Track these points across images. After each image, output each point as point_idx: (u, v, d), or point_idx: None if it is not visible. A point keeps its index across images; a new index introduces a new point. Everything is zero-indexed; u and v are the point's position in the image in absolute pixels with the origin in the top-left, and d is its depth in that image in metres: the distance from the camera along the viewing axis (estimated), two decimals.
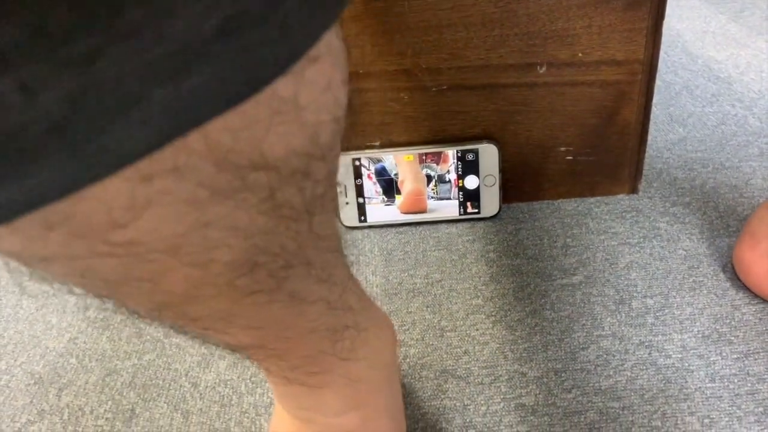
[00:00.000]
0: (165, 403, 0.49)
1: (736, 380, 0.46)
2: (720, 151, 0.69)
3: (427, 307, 0.55)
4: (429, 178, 0.61)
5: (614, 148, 0.62)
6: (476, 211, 0.63)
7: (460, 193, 0.62)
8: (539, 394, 0.47)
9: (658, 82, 0.82)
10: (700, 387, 0.46)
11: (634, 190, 0.64)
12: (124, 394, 0.50)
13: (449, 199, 0.62)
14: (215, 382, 0.50)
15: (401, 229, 0.64)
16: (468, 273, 0.58)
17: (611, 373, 0.48)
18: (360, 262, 0.60)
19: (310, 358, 0.32)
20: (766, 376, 0.46)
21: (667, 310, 0.52)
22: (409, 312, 0.55)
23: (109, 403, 0.50)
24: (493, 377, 0.48)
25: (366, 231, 0.64)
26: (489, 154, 0.60)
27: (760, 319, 0.50)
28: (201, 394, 0.49)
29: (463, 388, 0.48)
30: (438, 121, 0.60)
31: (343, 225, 0.64)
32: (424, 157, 0.60)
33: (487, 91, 0.58)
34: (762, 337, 0.49)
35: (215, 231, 0.19)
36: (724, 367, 0.47)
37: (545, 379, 0.48)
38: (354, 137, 0.61)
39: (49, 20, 0.12)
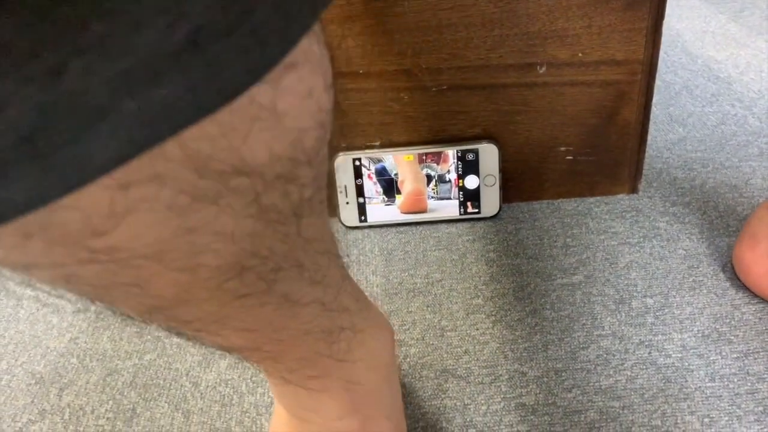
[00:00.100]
0: (166, 402, 0.49)
1: (735, 379, 0.46)
2: (720, 150, 0.69)
3: (428, 306, 0.55)
4: (429, 178, 0.61)
5: (614, 148, 0.62)
6: (476, 210, 0.63)
7: (461, 192, 0.62)
8: (539, 393, 0.47)
9: (657, 82, 0.82)
10: (699, 386, 0.46)
11: (634, 189, 0.64)
12: (125, 393, 0.50)
13: (449, 199, 0.62)
14: (216, 382, 0.50)
15: (401, 228, 0.64)
16: (468, 273, 0.58)
17: (611, 372, 0.48)
18: (360, 261, 0.60)
19: (306, 360, 0.32)
20: (765, 376, 0.46)
21: (667, 310, 0.52)
22: (410, 312, 0.55)
23: (110, 402, 0.50)
24: (493, 377, 0.49)
25: (366, 231, 0.64)
26: (489, 154, 0.60)
27: (760, 318, 0.51)
28: (202, 394, 0.49)
29: (463, 388, 0.48)
30: (438, 121, 0.60)
31: (344, 225, 0.64)
32: (424, 157, 0.61)
33: (487, 91, 0.58)
34: (762, 336, 0.49)
35: (200, 236, 0.20)
36: (723, 366, 0.47)
37: (545, 379, 0.48)
38: (354, 137, 0.61)
39: (13, 37, 0.12)
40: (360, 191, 0.62)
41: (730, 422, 0.44)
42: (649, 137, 0.72)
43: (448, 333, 0.52)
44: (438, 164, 0.61)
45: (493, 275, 0.57)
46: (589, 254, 0.58)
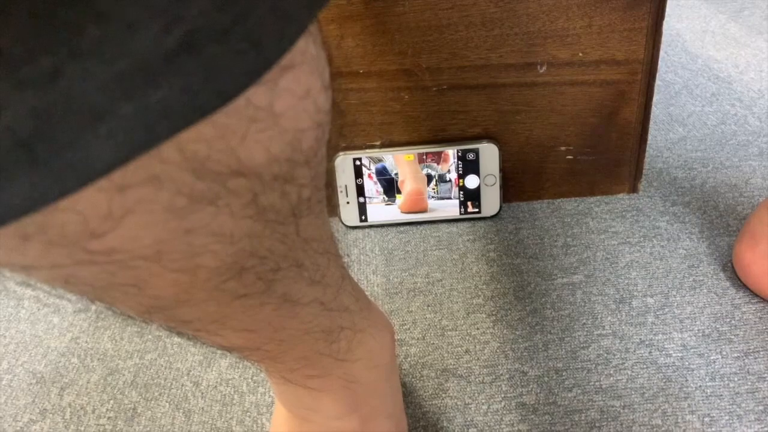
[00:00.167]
0: (167, 402, 0.49)
1: (736, 379, 0.46)
2: (720, 150, 0.69)
3: (428, 306, 0.55)
4: (429, 177, 0.62)
5: (614, 148, 0.62)
6: (477, 210, 0.63)
7: (461, 192, 0.62)
8: (540, 392, 0.47)
9: (658, 82, 0.82)
10: (700, 385, 0.46)
11: (634, 189, 0.64)
12: (126, 393, 0.50)
13: (450, 198, 0.62)
14: (217, 381, 0.50)
15: (402, 228, 0.64)
16: (468, 272, 0.58)
17: (612, 371, 0.48)
18: (361, 261, 0.60)
19: (306, 359, 0.32)
20: (766, 375, 0.46)
21: (667, 309, 0.52)
22: (410, 311, 0.55)
23: (111, 402, 0.50)
24: (494, 376, 0.49)
25: (367, 230, 0.64)
26: (489, 154, 0.60)
27: (760, 318, 0.51)
28: (203, 393, 0.50)
29: (464, 387, 0.48)
30: (438, 120, 0.60)
31: (344, 224, 0.64)
32: (424, 157, 0.61)
33: (488, 90, 0.58)
34: (762, 336, 0.49)
35: (198, 237, 0.20)
36: (724, 365, 0.47)
37: (546, 378, 0.48)
38: (354, 137, 0.61)
39: (8, 41, 0.13)
40: (360, 191, 0.62)
41: (731, 421, 0.44)
42: (650, 137, 0.72)
43: (449, 332, 0.52)
44: (438, 164, 0.61)
45: (494, 275, 0.57)
46: (589, 254, 0.58)
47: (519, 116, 0.60)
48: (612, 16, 0.54)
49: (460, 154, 0.60)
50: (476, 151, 0.60)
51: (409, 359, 0.51)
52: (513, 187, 0.64)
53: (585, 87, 0.58)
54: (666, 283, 0.54)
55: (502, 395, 0.47)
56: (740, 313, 0.51)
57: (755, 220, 0.53)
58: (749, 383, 0.46)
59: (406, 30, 0.55)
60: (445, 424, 0.46)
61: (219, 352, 0.53)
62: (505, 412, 0.46)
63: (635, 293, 0.54)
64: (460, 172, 0.61)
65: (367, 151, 0.61)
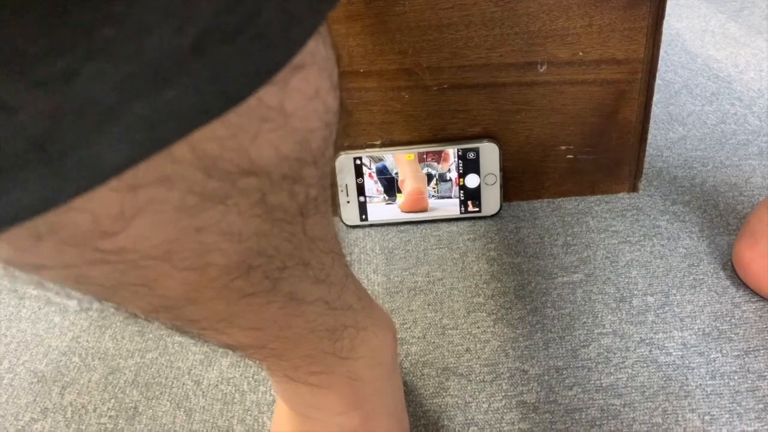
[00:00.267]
0: (168, 401, 0.49)
1: (736, 377, 0.46)
2: (720, 149, 0.69)
3: (429, 305, 0.55)
4: (430, 176, 0.62)
5: (614, 147, 0.62)
6: (477, 209, 0.63)
7: (461, 191, 0.62)
8: (540, 391, 0.47)
9: (658, 81, 0.82)
10: (700, 384, 0.46)
11: (634, 188, 0.65)
12: (127, 392, 0.50)
13: (450, 197, 0.62)
14: (218, 380, 0.50)
15: (402, 227, 0.64)
16: (469, 271, 0.58)
17: (612, 370, 0.48)
18: (361, 260, 0.61)
19: (310, 357, 0.32)
20: (766, 374, 0.47)
21: (667, 308, 0.52)
22: (411, 310, 0.55)
23: (112, 401, 0.50)
24: (494, 375, 0.49)
25: (367, 230, 0.64)
26: (490, 153, 0.60)
27: (760, 316, 0.51)
28: (204, 392, 0.50)
29: (464, 386, 0.48)
30: (439, 120, 0.60)
31: (345, 224, 0.64)
32: (424, 156, 0.61)
33: (488, 90, 0.58)
34: (762, 334, 0.49)
35: (208, 236, 0.20)
36: (724, 364, 0.47)
37: (546, 377, 0.48)
38: (355, 136, 0.61)
39: (24, 42, 0.13)
40: (361, 190, 0.62)
41: (731, 420, 0.44)
42: (650, 136, 0.72)
43: (449, 331, 0.53)
44: (439, 163, 0.61)
45: (494, 274, 0.57)
46: (589, 253, 0.58)
47: (519, 115, 0.60)
48: (612, 15, 0.54)
49: (460, 153, 0.60)
50: (476, 151, 0.60)
51: (409, 358, 0.51)
52: (513, 186, 0.64)
53: (585, 86, 0.58)
54: (666, 282, 0.54)
55: (503, 394, 0.47)
56: (740, 311, 0.51)
57: (755, 219, 0.53)
58: (749, 381, 0.46)
59: (406, 29, 0.55)
60: (445, 423, 0.46)
61: (220, 351, 0.53)
62: (505, 410, 0.46)
63: (635, 292, 0.54)
64: (461, 171, 0.61)
65: (368, 150, 0.61)
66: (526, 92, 0.58)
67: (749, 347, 0.48)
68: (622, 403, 0.46)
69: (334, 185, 0.61)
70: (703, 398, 0.45)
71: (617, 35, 0.55)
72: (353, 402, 0.37)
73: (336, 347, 0.33)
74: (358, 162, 0.61)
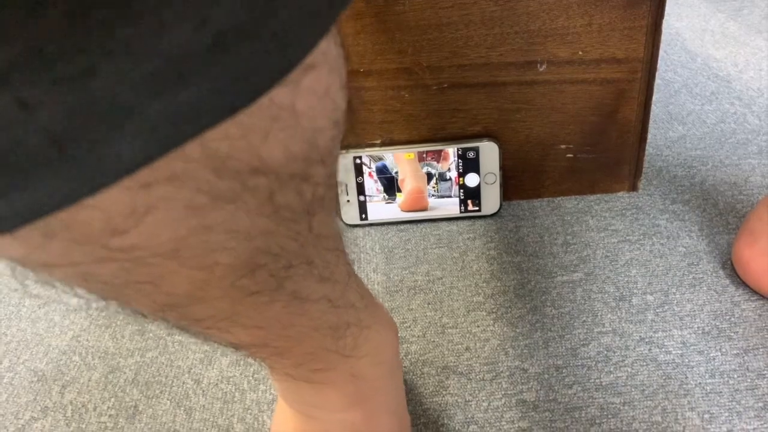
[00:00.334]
0: (168, 399, 0.49)
1: (735, 376, 0.46)
2: (719, 148, 0.69)
3: (428, 304, 0.55)
4: (430, 176, 0.62)
5: (614, 146, 0.62)
6: (477, 208, 0.63)
7: (461, 190, 0.62)
8: (540, 390, 0.47)
9: (657, 81, 0.82)
10: (700, 383, 0.46)
11: (634, 187, 0.65)
12: (127, 391, 0.50)
13: (450, 197, 0.62)
14: (218, 379, 0.50)
15: (402, 226, 0.64)
16: (469, 270, 0.58)
17: (612, 369, 0.48)
18: (361, 259, 0.61)
19: (313, 355, 0.32)
20: (765, 372, 0.47)
21: (667, 307, 0.52)
22: (411, 309, 0.55)
23: (112, 400, 0.50)
24: (494, 373, 0.49)
25: (367, 229, 0.64)
26: (489, 152, 0.60)
27: (760, 315, 0.51)
28: (204, 391, 0.50)
29: (464, 385, 0.48)
30: (438, 119, 0.60)
31: (345, 223, 0.64)
32: (424, 155, 0.61)
33: (488, 89, 0.58)
34: (761, 333, 0.49)
35: (216, 234, 0.20)
36: (723, 363, 0.48)
37: (546, 375, 0.48)
38: (354, 136, 0.61)
39: (44, 40, 0.13)
40: (361, 189, 0.62)
41: (730, 418, 0.44)
42: (649, 135, 0.72)
43: (449, 330, 0.53)
44: (438, 162, 0.61)
45: (494, 273, 0.58)
46: (589, 252, 0.58)
47: (519, 114, 0.60)
48: (612, 14, 0.54)
49: (460, 152, 0.60)
50: (476, 150, 0.60)
51: (409, 357, 0.51)
52: (513, 186, 0.64)
53: (585, 85, 0.58)
54: (666, 281, 0.54)
55: (503, 392, 0.47)
56: (740, 310, 0.51)
57: (754, 218, 0.53)
58: (749, 380, 0.46)
59: (406, 28, 0.55)
60: (445, 421, 0.46)
61: (220, 350, 0.53)
62: (505, 409, 0.46)
63: (635, 291, 0.54)
64: (461, 170, 0.61)
65: (368, 149, 0.61)
66: (525, 91, 0.58)
67: (748, 346, 0.49)
68: (622, 401, 0.46)
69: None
70: (702, 397, 0.45)
71: (617, 34, 0.55)
72: (355, 400, 0.37)
73: (339, 345, 0.33)
74: (357, 161, 0.61)
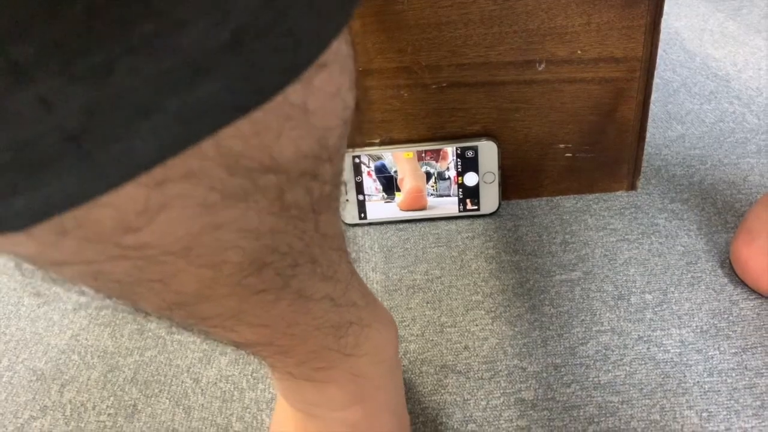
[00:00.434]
0: (167, 398, 0.49)
1: (734, 374, 0.47)
2: (718, 148, 0.69)
3: (427, 303, 0.55)
4: (428, 175, 0.62)
5: (613, 145, 0.62)
6: (476, 207, 0.63)
7: (460, 190, 0.62)
8: (539, 388, 0.47)
9: (656, 80, 0.82)
10: (698, 381, 0.46)
11: (632, 186, 0.65)
12: (126, 390, 0.50)
13: (449, 196, 0.62)
14: (217, 378, 0.50)
15: (401, 226, 0.64)
16: (467, 269, 0.58)
17: (610, 367, 0.48)
18: (360, 259, 0.61)
19: (315, 353, 0.33)
20: (763, 371, 0.47)
21: (665, 306, 0.52)
22: (409, 308, 0.55)
23: (111, 399, 0.50)
24: (492, 372, 0.49)
25: (366, 228, 0.64)
26: (488, 151, 0.60)
27: (758, 314, 0.51)
28: (202, 390, 0.50)
29: (463, 383, 0.48)
30: (437, 118, 0.60)
31: (343, 222, 0.64)
32: (423, 155, 0.61)
33: (487, 88, 0.58)
34: (760, 332, 0.49)
35: (227, 233, 0.20)
36: (722, 361, 0.48)
37: (545, 374, 0.48)
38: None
39: (64, 36, 0.13)
40: (360, 189, 0.62)
41: (728, 416, 0.44)
42: (648, 134, 0.72)
43: (448, 329, 0.53)
44: (437, 161, 0.61)
45: (493, 272, 0.58)
46: (588, 251, 0.58)
47: (518, 114, 0.60)
48: (610, 13, 0.54)
49: (459, 151, 0.61)
50: (475, 149, 0.60)
51: (408, 356, 0.51)
52: (512, 185, 0.65)
53: (584, 84, 0.58)
54: (664, 280, 0.55)
55: (501, 391, 0.47)
56: (738, 309, 0.51)
57: (752, 217, 0.53)
58: (747, 379, 0.46)
59: (405, 27, 0.55)
60: (444, 420, 0.46)
61: (219, 349, 0.53)
62: (503, 407, 0.46)
63: (633, 290, 0.54)
64: (459, 169, 0.61)
65: (367, 148, 0.61)
66: (524, 90, 0.58)
67: (747, 344, 0.49)
68: (620, 400, 0.46)
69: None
70: (700, 395, 0.45)
71: (615, 33, 0.55)
72: (356, 398, 0.37)
73: (341, 344, 0.33)
74: (356, 160, 0.61)
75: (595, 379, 0.47)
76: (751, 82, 0.80)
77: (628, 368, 0.48)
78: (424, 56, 0.56)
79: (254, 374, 0.51)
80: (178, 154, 0.16)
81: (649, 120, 0.74)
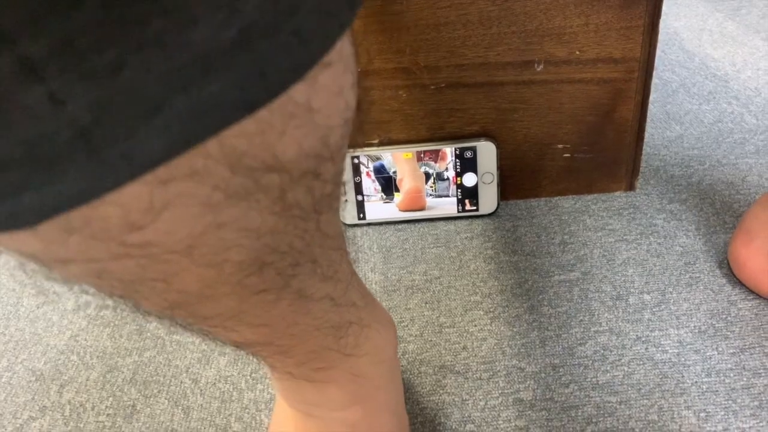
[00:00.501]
0: (166, 399, 0.49)
1: (732, 375, 0.47)
2: (716, 148, 0.70)
3: (426, 303, 0.55)
4: (427, 175, 0.62)
5: (611, 146, 0.62)
6: (474, 208, 0.63)
7: (459, 190, 0.62)
8: (537, 388, 0.47)
9: (655, 80, 0.82)
10: (696, 381, 0.46)
11: (631, 187, 0.65)
12: (125, 390, 0.50)
13: (447, 196, 0.63)
14: (216, 379, 0.50)
15: (400, 226, 0.64)
16: (466, 270, 0.58)
17: (608, 368, 0.48)
18: (359, 259, 0.61)
19: (315, 353, 0.33)
20: (761, 371, 0.47)
21: (663, 306, 0.52)
22: (408, 308, 0.55)
23: (110, 399, 0.50)
24: (491, 372, 0.49)
25: (365, 228, 0.64)
26: (487, 152, 0.60)
27: (756, 314, 0.51)
28: (201, 391, 0.50)
29: (461, 384, 0.48)
30: (436, 118, 0.60)
31: (342, 223, 0.64)
32: (422, 155, 0.61)
33: (485, 88, 0.58)
34: (758, 332, 0.50)
35: (229, 232, 0.20)
36: (720, 362, 0.48)
37: (543, 374, 0.48)
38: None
39: (76, 33, 0.13)
40: (358, 189, 0.62)
41: (726, 417, 0.44)
42: (647, 135, 0.72)
43: (447, 329, 0.53)
44: (436, 162, 0.61)
45: (491, 272, 0.58)
46: (586, 251, 0.58)
47: (516, 114, 0.60)
48: (609, 14, 0.54)
49: (457, 152, 0.61)
50: (474, 149, 0.60)
51: (407, 356, 0.51)
52: (510, 185, 0.65)
53: (582, 85, 0.58)
54: (662, 280, 0.55)
55: (500, 391, 0.47)
56: (736, 309, 0.51)
57: (751, 217, 0.53)
58: (745, 379, 0.46)
59: (404, 28, 0.55)
60: (442, 420, 0.46)
61: (218, 349, 0.53)
62: (502, 408, 0.46)
63: (632, 290, 0.54)
64: (458, 170, 0.61)
65: (365, 149, 0.61)
66: (523, 91, 0.59)
67: (745, 345, 0.49)
68: (618, 400, 0.46)
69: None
70: (698, 395, 0.46)
71: (614, 34, 0.55)
72: (355, 398, 0.37)
73: (340, 344, 0.33)
74: (355, 161, 0.61)
75: (594, 380, 0.47)
76: (750, 82, 0.80)
77: (626, 368, 0.48)
78: (422, 57, 0.57)
79: (253, 375, 0.51)
80: (184, 152, 0.16)
81: (648, 120, 0.74)
